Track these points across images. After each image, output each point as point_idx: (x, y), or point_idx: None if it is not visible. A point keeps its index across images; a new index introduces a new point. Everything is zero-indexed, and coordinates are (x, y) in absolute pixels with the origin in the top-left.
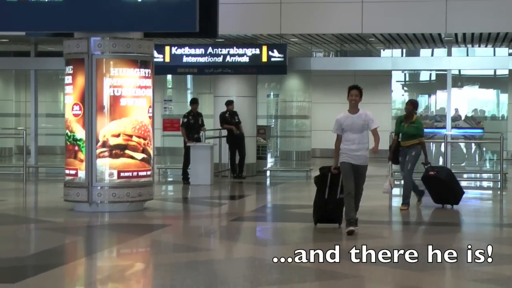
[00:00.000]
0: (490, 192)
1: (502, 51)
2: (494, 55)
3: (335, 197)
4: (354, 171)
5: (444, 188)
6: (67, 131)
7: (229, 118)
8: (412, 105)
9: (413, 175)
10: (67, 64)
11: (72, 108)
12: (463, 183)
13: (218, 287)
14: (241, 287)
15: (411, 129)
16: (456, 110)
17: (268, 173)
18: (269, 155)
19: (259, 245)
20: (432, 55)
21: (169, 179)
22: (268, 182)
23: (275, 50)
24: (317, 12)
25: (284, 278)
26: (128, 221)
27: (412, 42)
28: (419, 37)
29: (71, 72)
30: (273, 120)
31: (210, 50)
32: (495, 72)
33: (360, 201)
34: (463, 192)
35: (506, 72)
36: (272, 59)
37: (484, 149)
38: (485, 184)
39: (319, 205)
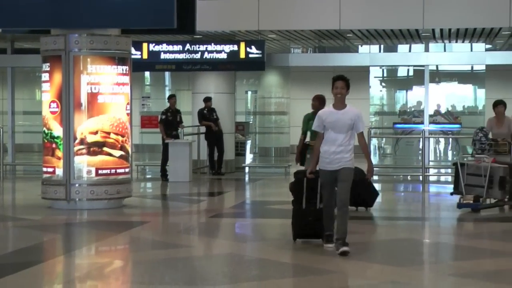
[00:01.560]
0: None
1: (479, 46)
2: (471, 50)
3: (314, 207)
4: (334, 179)
5: (356, 188)
6: (44, 128)
7: (207, 115)
8: (318, 100)
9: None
10: (44, 61)
11: (50, 105)
12: (442, 178)
13: (197, 284)
14: (220, 283)
15: None
16: (438, 106)
17: (247, 169)
18: (247, 151)
19: (238, 241)
20: (409, 51)
21: (148, 176)
22: (247, 178)
23: (253, 47)
24: (295, 8)
25: (263, 274)
26: (107, 219)
27: (389, 38)
28: (396, 33)
29: (48, 69)
30: (252, 117)
31: (188, 46)
32: (472, 67)
33: (347, 214)
34: (377, 194)
35: (483, 67)
36: (250, 55)
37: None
38: None
39: (297, 217)
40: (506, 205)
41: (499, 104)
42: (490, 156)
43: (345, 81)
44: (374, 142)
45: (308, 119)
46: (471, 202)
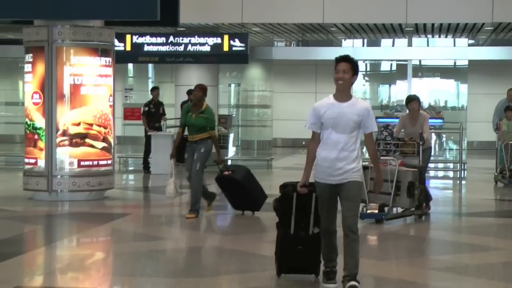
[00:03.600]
0: (450, 181)
1: (462, 41)
2: (454, 45)
3: (306, 232)
4: (335, 195)
5: (242, 191)
6: (26, 119)
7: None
8: (201, 90)
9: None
10: (27, 52)
11: (32, 96)
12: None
13: (178, 276)
14: (202, 276)
15: (200, 120)
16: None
17: (229, 162)
18: (230, 144)
19: (220, 234)
20: (393, 45)
21: (130, 168)
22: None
23: (236, 40)
24: (278, 1)
25: (244, 267)
26: (88, 210)
27: (373, 32)
28: (380, 27)
29: (31, 60)
30: (235, 110)
31: (171, 39)
32: (455, 62)
33: (357, 243)
34: (265, 197)
35: (466, 62)
36: (234, 48)
37: (444, 139)
38: (445, 173)
39: (283, 245)
40: (413, 215)
41: (412, 100)
42: (397, 158)
43: (351, 63)
44: None
45: (187, 111)
46: (376, 211)
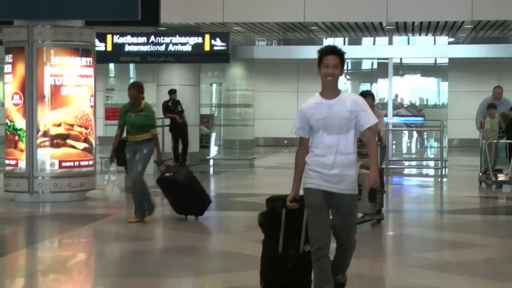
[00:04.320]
0: (431, 179)
1: (442, 39)
2: (435, 43)
3: (296, 251)
4: (330, 205)
5: (185, 194)
6: (7, 120)
7: (172, 107)
8: (136, 88)
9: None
10: (7, 53)
11: (12, 97)
12: (406, 171)
13: (160, 277)
14: (184, 276)
15: (140, 118)
16: (397, 97)
17: (211, 162)
18: (212, 144)
19: (203, 234)
20: (373, 43)
21: (112, 169)
22: (211, 171)
23: (217, 39)
24: (259, 0)
25: (227, 266)
26: (70, 211)
27: (354, 31)
28: (360, 25)
29: (11, 60)
30: (216, 109)
31: (152, 38)
32: (435, 60)
33: (349, 260)
34: (210, 201)
35: (446, 60)
36: (215, 47)
37: (425, 136)
38: (426, 171)
39: (270, 265)
40: (372, 220)
41: (366, 96)
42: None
43: (340, 56)
44: None
45: (126, 111)
46: None
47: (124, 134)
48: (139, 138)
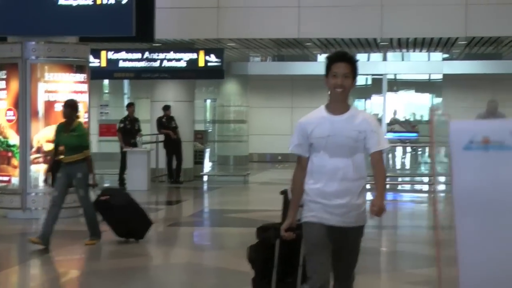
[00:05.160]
0: (425, 195)
1: (436, 56)
2: (429, 60)
3: None
4: (333, 241)
5: (123, 216)
6: (0, 137)
7: (166, 123)
8: (70, 106)
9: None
10: (1, 69)
11: (6, 113)
12: (399, 186)
13: None
14: None
15: (72, 139)
16: (395, 112)
17: (205, 178)
18: (206, 160)
19: (197, 250)
20: (368, 60)
21: (106, 185)
22: (205, 187)
23: (212, 55)
24: (254, 16)
25: (221, 283)
26: (64, 228)
27: (348, 47)
28: (355, 42)
29: (5, 77)
30: (211, 125)
31: (147, 54)
32: (429, 76)
33: None
34: (150, 223)
35: (440, 76)
36: (209, 63)
37: (419, 152)
38: (420, 187)
39: None
40: None
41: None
42: None
43: (353, 64)
44: None
45: (60, 130)
46: None
47: None
48: (72, 159)
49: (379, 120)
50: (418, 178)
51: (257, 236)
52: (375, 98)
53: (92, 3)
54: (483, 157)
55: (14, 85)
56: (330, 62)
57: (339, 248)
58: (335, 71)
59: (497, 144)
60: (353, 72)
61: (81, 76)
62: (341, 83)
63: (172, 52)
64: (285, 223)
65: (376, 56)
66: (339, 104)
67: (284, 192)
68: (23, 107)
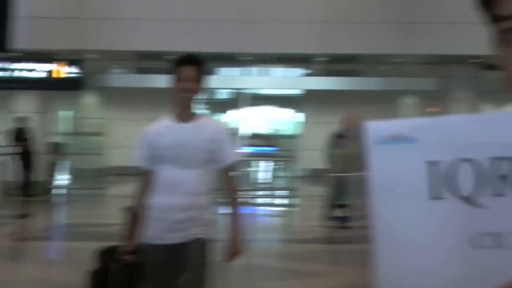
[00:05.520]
0: (282, 208)
1: (297, 71)
2: (289, 75)
3: None
4: (174, 263)
5: None
6: None
7: (20, 135)
8: None
9: None
10: None
11: None
12: (258, 200)
13: None
14: None
15: None
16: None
17: (60, 191)
18: (62, 172)
19: (46, 265)
20: (225, 74)
21: None
22: (60, 200)
23: (71, 66)
24: (116, 28)
25: None
26: None
27: (208, 61)
28: (216, 56)
29: None
30: (67, 137)
31: (0, 65)
32: (291, 91)
33: None
34: None
35: (301, 91)
36: (68, 75)
37: (278, 166)
38: (277, 200)
39: None
40: None
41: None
42: None
43: (200, 67)
44: None
45: None
46: None
47: None
48: None
49: (235, 134)
50: (277, 192)
51: (98, 261)
52: (235, 112)
53: None
54: (391, 150)
55: None
56: (177, 65)
57: (184, 264)
58: (183, 74)
59: (401, 138)
60: (198, 74)
61: None
62: (188, 87)
63: (29, 62)
64: (125, 244)
65: (236, 71)
66: (186, 111)
67: (129, 209)
68: None
